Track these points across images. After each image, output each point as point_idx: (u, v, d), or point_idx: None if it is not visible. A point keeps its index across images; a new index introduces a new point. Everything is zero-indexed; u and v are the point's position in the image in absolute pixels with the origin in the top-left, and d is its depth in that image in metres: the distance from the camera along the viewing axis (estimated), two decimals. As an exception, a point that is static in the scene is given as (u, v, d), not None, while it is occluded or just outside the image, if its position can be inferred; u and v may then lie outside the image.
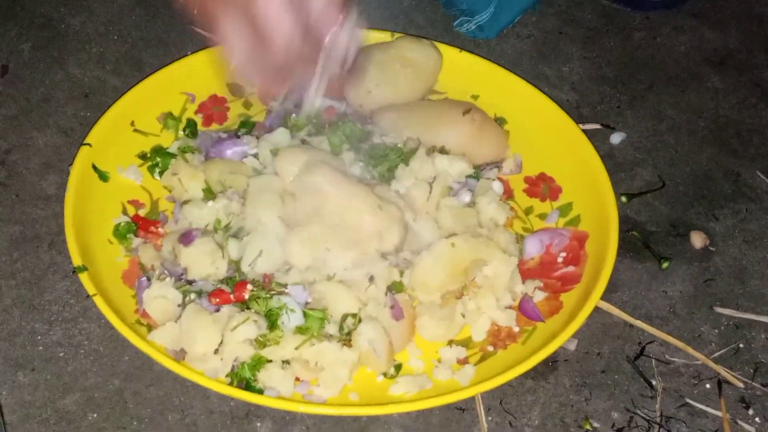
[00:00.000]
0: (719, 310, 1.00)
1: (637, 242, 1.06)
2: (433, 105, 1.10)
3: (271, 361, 0.88)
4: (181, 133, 1.08)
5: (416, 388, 0.89)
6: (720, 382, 0.95)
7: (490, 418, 0.91)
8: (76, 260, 0.91)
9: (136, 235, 0.99)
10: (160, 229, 1.00)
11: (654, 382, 0.94)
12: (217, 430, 0.88)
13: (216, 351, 0.89)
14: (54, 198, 1.04)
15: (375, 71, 1.08)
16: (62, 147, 1.09)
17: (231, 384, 0.88)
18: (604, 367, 0.95)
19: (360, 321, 0.90)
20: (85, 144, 1.01)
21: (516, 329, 0.95)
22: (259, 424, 0.89)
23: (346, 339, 0.90)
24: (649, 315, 1.00)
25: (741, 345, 0.98)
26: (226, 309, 0.90)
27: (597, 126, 1.17)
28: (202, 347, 0.88)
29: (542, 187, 1.07)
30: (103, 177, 1.01)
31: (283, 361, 0.89)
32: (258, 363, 0.88)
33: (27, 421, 0.88)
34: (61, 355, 0.93)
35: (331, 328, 0.91)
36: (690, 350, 0.97)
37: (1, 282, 0.97)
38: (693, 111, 1.20)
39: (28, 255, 0.99)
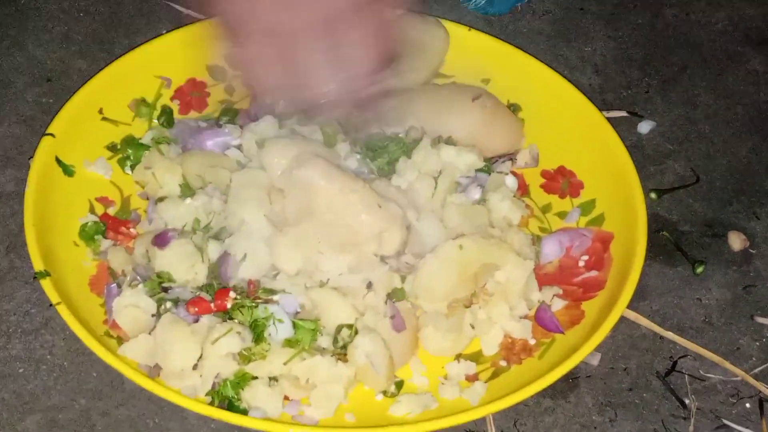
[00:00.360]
0: (760, 320, 1.01)
1: (668, 244, 1.06)
2: (439, 90, 1.11)
3: (256, 377, 0.89)
4: (155, 121, 1.08)
5: (420, 408, 0.90)
6: (761, 401, 0.95)
7: (502, 441, 0.91)
8: (38, 265, 0.92)
9: (105, 237, 0.99)
10: (131, 230, 1.00)
11: (687, 401, 0.94)
12: (196, 455, 0.89)
13: (195, 366, 0.89)
14: (12, 195, 1.04)
15: None
16: (22, 138, 1.10)
17: (212, 403, 0.88)
18: (631, 384, 0.95)
19: (356, 333, 0.91)
20: (47, 134, 1.01)
21: (532, 342, 0.96)
22: (243, 449, 0.89)
23: (341, 353, 0.91)
24: (682, 326, 1.00)
25: (785, 359, 0.98)
26: (205, 319, 0.90)
27: (623, 114, 1.17)
28: (179, 362, 0.88)
29: (561, 182, 1.08)
30: (68, 171, 1.01)
31: (270, 378, 0.89)
32: (242, 380, 0.88)
33: (-18, 446, 0.88)
34: (20, 371, 0.93)
35: (324, 341, 0.91)
36: (728, 365, 0.97)
37: (-47, 289, 0.98)
38: (731, 96, 1.20)
39: (-16, 259, 1.00)
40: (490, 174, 1.03)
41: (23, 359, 0.93)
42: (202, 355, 0.89)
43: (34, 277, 0.92)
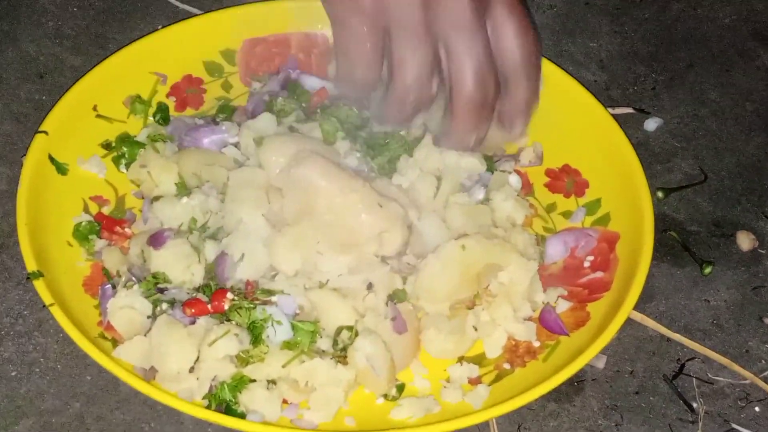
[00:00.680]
0: (770, 321, 1.01)
1: (676, 244, 1.06)
2: None
3: (254, 380, 0.88)
4: (150, 119, 1.08)
5: (422, 411, 0.89)
6: (771, 405, 0.95)
7: (506, 446, 0.91)
8: (31, 265, 0.92)
9: (100, 237, 0.99)
10: (126, 230, 1.00)
11: (695, 405, 0.94)
12: (193, 460, 0.89)
13: (191, 369, 0.89)
14: (5, 194, 1.04)
15: None
16: (14, 135, 1.10)
17: (208, 407, 0.88)
18: (638, 387, 0.95)
19: (357, 335, 0.91)
20: (40, 132, 1.01)
21: (536, 344, 0.96)
22: (240, 454, 0.89)
23: (341, 355, 0.91)
24: (690, 327, 1.00)
25: (795, 362, 0.98)
26: (202, 321, 0.90)
27: (629, 110, 1.17)
28: (175, 365, 0.88)
29: (566, 181, 1.07)
30: (62, 170, 1.01)
31: (269, 381, 0.89)
32: (239, 383, 0.88)
33: (-26, 451, 0.88)
34: (13, 374, 0.93)
35: (324, 343, 0.91)
36: (736, 368, 0.97)
37: (-56, 290, 0.98)
38: (740, 93, 1.20)
39: (-25, 259, 1.00)
40: (493, 173, 1.03)
41: (16, 362, 0.93)
42: (198, 357, 0.89)
43: (27, 278, 0.92)
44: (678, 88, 1.20)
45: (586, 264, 1.01)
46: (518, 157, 1.08)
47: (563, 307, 0.97)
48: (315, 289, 0.92)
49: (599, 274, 0.99)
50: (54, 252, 0.95)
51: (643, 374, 0.96)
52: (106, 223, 1.00)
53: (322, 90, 1.08)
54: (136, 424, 0.90)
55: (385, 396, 0.91)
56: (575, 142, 1.08)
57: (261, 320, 0.90)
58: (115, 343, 0.91)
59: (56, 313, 0.89)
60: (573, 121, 1.09)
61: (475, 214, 0.99)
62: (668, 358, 0.97)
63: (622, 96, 1.19)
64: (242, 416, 0.87)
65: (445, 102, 0.98)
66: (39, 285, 0.91)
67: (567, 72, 1.11)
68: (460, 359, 0.94)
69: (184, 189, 1.00)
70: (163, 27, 1.14)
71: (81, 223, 0.98)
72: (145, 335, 0.90)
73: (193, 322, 0.90)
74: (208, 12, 1.16)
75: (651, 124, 1.16)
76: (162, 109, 1.08)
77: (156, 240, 0.95)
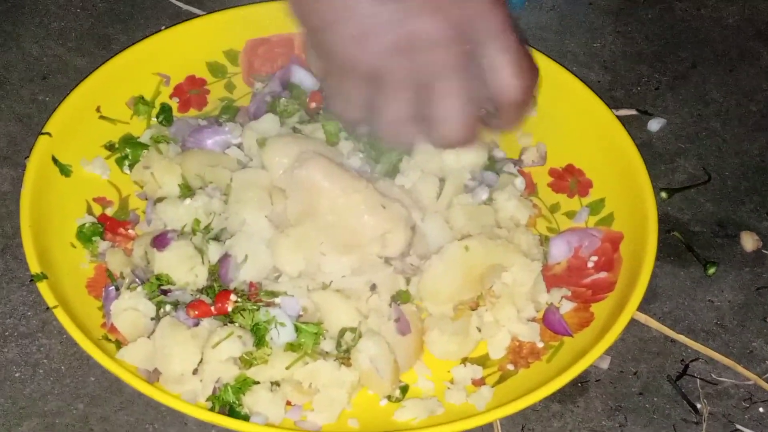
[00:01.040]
0: (774, 322, 1.01)
1: (679, 244, 1.06)
2: None
3: (258, 382, 0.88)
4: (154, 120, 1.08)
5: (425, 413, 0.89)
6: (775, 406, 0.95)
7: (510, 447, 0.91)
8: (34, 267, 0.92)
9: (103, 238, 0.99)
10: (130, 231, 1.00)
11: (699, 406, 0.94)
12: (197, 461, 0.89)
13: (195, 371, 0.89)
14: (8, 195, 1.04)
15: None
16: (17, 136, 1.10)
17: (212, 409, 0.88)
18: (642, 388, 0.95)
19: (360, 336, 0.91)
20: (43, 133, 1.01)
21: (540, 345, 0.95)
22: (244, 455, 0.89)
23: (345, 357, 0.91)
24: (694, 328, 1.00)
25: (799, 363, 0.98)
26: (206, 323, 0.90)
27: (632, 111, 1.17)
28: (178, 366, 0.88)
29: (570, 181, 1.07)
30: (65, 171, 1.01)
31: (272, 383, 0.89)
32: (243, 385, 0.88)
33: (-22, 452, 0.88)
34: (16, 375, 0.93)
35: (327, 345, 0.91)
36: (740, 369, 0.97)
37: (-52, 292, 0.98)
38: (743, 93, 1.20)
39: (-21, 261, 1.00)
40: (495, 172, 1.03)
41: (19, 363, 0.93)
42: (202, 359, 0.89)
43: (31, 280, 0.92)
44: (681, 89, 1.20)
45: (590, 264, 1.01)
46: (521, 157, 1.08)
47: (567, 307, 0.97)
48: (318, 290, 0.92)
49: (603, 275, 0.99)
50: (57, 254, 0.95)
51: (647, 375, 0.96)
52: (110, 225, 1.00)
53: (316, 93, 1.07)
54: (139, 425, 0.90)
55: (389, 397, 0.91)
56: (579, 142, 1.08)
57: (264, 322, 0.90)
58: (119, 344, 0.91)
59: (60, 315, 0.89)
60: (576, 121, 1.09)
61: (478, 215, 0.99)
62: (672, 359, 0.97)
63: (625, 96, 1.19)
64: (246, 418, 0.87)
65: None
66: (43, 287, 0.90)
67: (570, 72, 1.11)
68: (464, 360, 0.94)
69: (187, 190, 1.00)
70: (166, 28, 1.14)
71: (84, 224, 0.98)
72: (148, 337, 0.90)
73: (197, 324, 0.90)
74: (210, 13, 1.16)
75: (654, 125, 1.16)
76: (165, 110, 1.08)
77: (159, 241, 0.95)
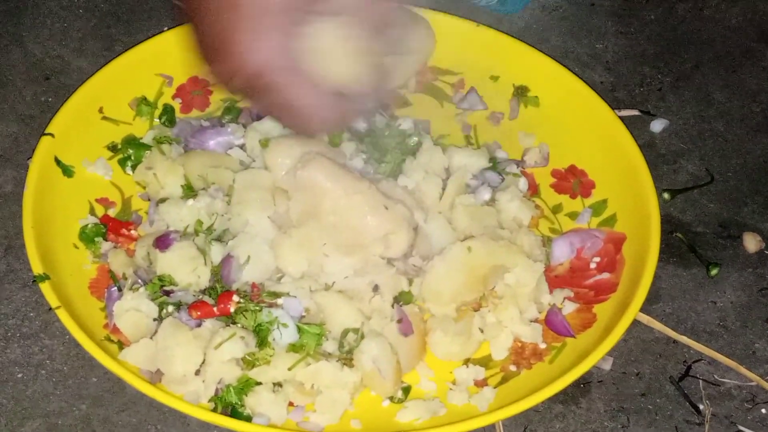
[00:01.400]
0: (777, 323, 1.01)
1: (682, 245, 1.06)
2: None
3: (260, 383, 0.88)
4: (156, 120, 1.08)
5: (428, 414, 0.89)
6: (777, 407, 0.95)
7: (512, 448, 0.91)
8: (37, 267, 0.91)
9: (106, 239, 0.99)
10: (132, 232, 1.00)
11: (701, 407, 0.94)
12: (199, 462, 0.89)
13: (197, 372, 0.89)
14: (11, 196, 1.04)
15: None
16: (20, 137, 1.10)
17: (214, 410, 0.88)
18: (644, 389, 0.95)
19: (363, 337, 0.91)
20: (46, 134, 1.01)
21: (542, 346, 0.95)
22: (246, 456, 0.89)
23: (347, 358, 0.91)
24: (696, 329, 1.00)
25: (802, 364, 0.98)
26: (208, 323, 0.90)
27: (635, 112, 1.17)
28: (181, 367, 0.88)
29: (572, 181, 1.07)
30: (68, 172, 1.01)
31: (275, 384, 0.89)
32: (245, 386, 0.88)
33: (-20, 453, 0.88)
34: (19, 376, 0.93)
35: (330, 346, 0.91)
36: (743, 370, 0.97)
37: (-49, 293, 0.98)
38: (746, 94, 1.20)
39: (-18, 261, 1.00)
40: (497, 172, 1.03)
41: (22, 364, 0.93)
42: (204, 360, 0.89)
43: (33, 281, 0.92)
44: (684, 90, 1.20)
45: (593, 265, 1.01)
46: (524, 158, 1.08)
47: (569, 308, 0.97)
48: (321, 291, 0.92)
49: (605, 276, 0.99)
50: (60, 254, 0.95)
51: (649, 376, 0.96)
52: (112, 226, 1.00)
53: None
54: (142, 426, 0.90)
55: (391, 398, 0.91)
56: (581, 143, 1.08)
57: (267, 323, 0.90)
58: (121, 345, 0.91)
59: (62, 315, 0.89)
60: (579, 122, 1.09)
61: (480, 216, 0.99)
62: (674, 360, 0.97)
63: (628, 97, 1.18)
64: (248, 419, 0.87)
65: None
66: (45, 287, 0.90)
67: (573, 73, 1.11)
68: (467, 361, 0.94)
69: (190, 191, 1.00)
70: (169, 29, 1.14)
71: (87, 225, 0.98)
72: (151, 338, 0.90)
73: (199, 325, 0.90)
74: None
75: (657, 126, 1.16)
76: (168, 110, 1.08)
77: (162, 242, 0.95)
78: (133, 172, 1.04)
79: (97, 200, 1.02)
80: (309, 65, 0.85)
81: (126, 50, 1.10)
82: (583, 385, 0.95)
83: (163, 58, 1.10)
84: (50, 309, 0.90)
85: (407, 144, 1.02)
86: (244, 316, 0.90)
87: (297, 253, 0.93)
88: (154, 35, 1.12)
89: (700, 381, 0.96)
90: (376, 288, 0.93)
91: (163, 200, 1.00)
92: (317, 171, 0.94)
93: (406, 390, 0.92)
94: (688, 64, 1.23)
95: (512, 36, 1.14)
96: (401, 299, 0.94)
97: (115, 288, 0.94)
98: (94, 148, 1.04)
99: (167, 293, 0.93)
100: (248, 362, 0.89)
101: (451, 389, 0.92)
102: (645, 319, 0.99)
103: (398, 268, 0.94)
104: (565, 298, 0.98)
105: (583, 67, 1.21)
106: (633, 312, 0.92)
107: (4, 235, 1.02)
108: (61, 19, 1.21)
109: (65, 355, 0.94)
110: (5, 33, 1.19)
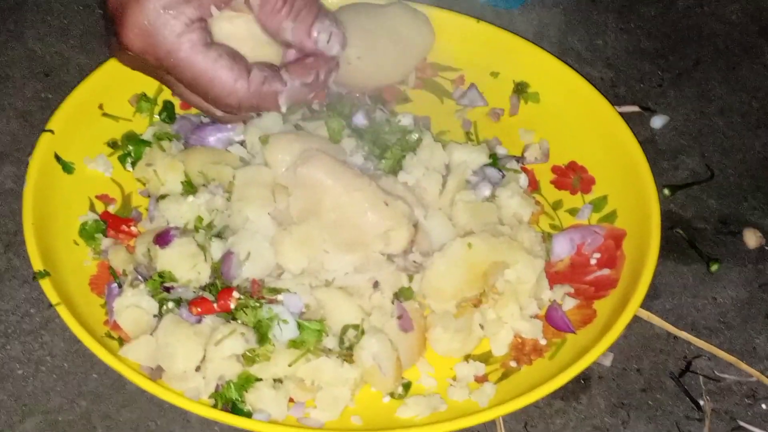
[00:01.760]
0: (777, 319, 1.01)
1: (682, 241, 1.06)
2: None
3: (261, 379, 0.88)
4: (156, 117, 1.08)
5: (428, 410, 0.89)
6: (778, 403, 0.95)
7: (513, 444, 0.91)
8: (37, 264, 0.92)
9: (106, 236, 0.99)
10: (132, 228, 1.00)
11: (702, 403, 0.94)
12: (200, 458, 0.89)
13: (198, 368, 0.89)
14: (11, 193, 1.04)
15: (359, 41, 1.06)
16: (20, 134, 1.10)
17: (215, 406, 0.88)
18: (645, 385, 0.95)
19: (363, 333, 0.90)
20: (46, 130, 1.01)
21: (543, 342, 0.95)
22: (247, 452, 0.89)
23: (347, 354, 0.90)
24: (696, 325, 1.00)
25: (802, 359, 0.98)
26: (209, 320, 0.90)
27: (635, 108, 1.17)
28: (181, 364, 0.88)
29: (573, 177, 1.07)
30: (68, 168, 1.01)
31: (275, 380, 0.89)
32: (246, 382, 0.88)
33: (-19, 449, 0.88)
34: (19, 372, 0.93)
35: (330, 342, 0.91)
36: (743, 365, 0.97)
37: (-49, 289, 0.98)
38: (746, 90, 1.20)
39: (-18, 258, 1.00)
40: (498, 169, 1.03)
41: (22, 360, 0.93)
42: (205, 356, 0.88)
43: (34, 277, 0.92)
44: (684, 86, 1.20)
45: (593, 261, 1.01)
46: (524, 154, 1.08)
47: (570, 304, 0.97)
48: (321, 287, 0.92)
49: (606, 272, 0.99)
50: (60, 251, 0.95)
51: (649, 372, 0.96)
52: (113, 222, 1.00)
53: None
54: (142, 422, 0.90)
55: (392, 394, 0.91)
56: (582, 139, 1.08)
57: (267, 319, 0.89)
58: (122, 342, 0.91)
59: (63, 312, 0.89)
60: (579, 118, 1.09)
61: (481, 212, 0.99)
62: (675, 356, 0.97)
63: (628, 93, 1.18)
64: (249, 415, 0.87)
65: None
66: (45, 284, 0.90)
67: (573, 69, 1.11)
68: (467, 357, 0.94)
69: (190, 187, 1.00)
70: (169, 25, 1.13)
71: (87, 222, 0.98)
72: (151, 334, 0.90)
73: (200, 321, 0.90)
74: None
75: (657, 122, 1.16)
76: (168, 107, 1.08)
77: (162, 239, 0.95)
78: (133, 169, 1.04)
79: (97, 197, 1.02)
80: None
81: (126, 47, 1.10)
82: (583, 381, 0.95)
83: (163, 55, 1.10)
84: (50, 306, 0.90)
85: (407, 140, 1.02)
86: (244, 312, 0.90)
87: (297, 249, 0.93)
88: (154, 32, 1.12)
89: (701, 377, 0.96)
90: (376, 284, 0.93)
91: (163, 197, 1.00)
92: (317, 168, 0.94)
93: (407, 386, 0.92)
94: (689, 60, 1.22)
95: (512, 32, 1.14)
96: (401, 295, 0.94)
97: (116, 284, 0.94)
98: (94, 145, 1.04)
99: (167, 290, 0.93)
100: (248, 358, 0.88)
101: (451, 385, 0.92)
102: (645, 315, 0.99)
103: (398, 265, 0.94)
104: (565, 294, 0.98)
105: (583, 64, 1.21)
106: (633, 308, 0.92)
107: (4, 232, 1.01)
108: (61, 17, 1.21)
109: (66, 352, 0.94)
110: (5, 29, 1.19)
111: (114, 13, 0.88)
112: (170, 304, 0.92)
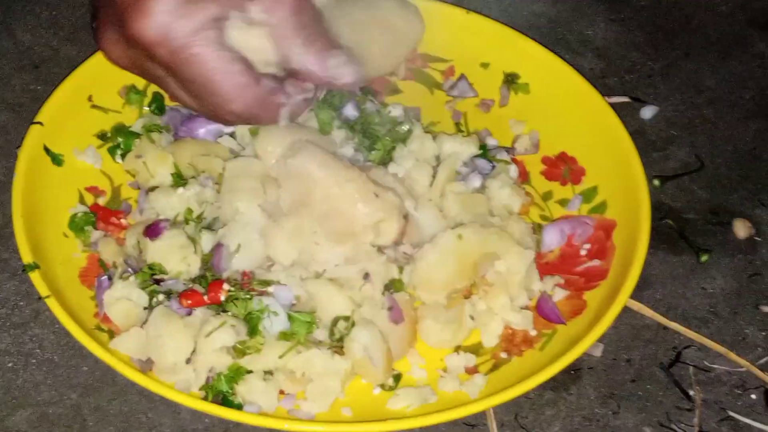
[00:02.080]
0: (766, 309, 1.00)
1: (672, 232, 1.06)
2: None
3: (251, 371, 0.88)
4: (146, 109, 1.08)
5: (419, 401, 0.89)
6: (767, 393, 0.95)
7: (503, 435, 0.91)
8: (26, 257, 0.91)
9: (96, 228, 0.99)
10: (122, 220, 1.00)
11: (692, 393, 0.94)
12: (190, 451, 0.89)
13: (188, 360, 0.89)
14: (0, 185, 1.04)
15: (348, 31, 1.06)
16: (9, 126, 1.09)
17: (205, 398, 0.88)
18: (635, 375, 0.95)
19: (353, 325, 0.90)
20: (35, 123, 1.01)
21: (533, 333, 0.95)
22: (238, 444, 0.89)
23: (338, 346, 0.90)
24: (686, 315, 1.00)
25: (792, 349, 0.98)
26: (199, 312, 0.90)
27: (625, 99, 1.17)
28: (171, 356, 0.88)
29: (563, 168, 1.07)
30: (57, 160, 1.01)
31: (265, 372, 0.89)
32: (236, 374, 0.88)
33: (-29, 442, 0.88)
34: (9, 365, 0.92)
35: (321, 334, 0.91)
36: (733, 356, 0.97)
37: (-60, 282, 0.97)
38: (736, 81, 1.20)
39: (-29, 251, 0.99)
40: (488, 160, 1.03)
41: (12, 353, 0.93)
42: (195, 348, 0.88)
43: (23, 270, 0.92)
44: (674, 76, 1.20)
45: (583, 252, 1.01)
46: (514, 145, 1.08)
47: (560, 295, 0.97)
48: (311, 279, 0.92)
49: (596, 263, 0.99)
50: (50, 243, 0.95)
51: (639, 362, 0.96)
52: (102, 214, 0.99)
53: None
54: (133, 414, 0.90)
55: (382, 386, 0.91)
56: (572, 130, 1.08)
57: (257, 311, 0.89)
58: (112, 334, 0.91)
59: (52, 304, 0.88)
60: (569, 109, 1.09)
61: (471, 203, 0.99)
62: (665, 347, 0.97)
63: (618, 84, 1.18)
64: (239, 407, 0.87)
65: None
66: (35, 277, 0.90)
67: (563, 59, 1.11)
68: (457, 349, 0.94)
69: (179, 179, 1.00)
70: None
71: (77, 214, 0.98)
72: (141, 327, 0.90)
73: (190, 313, 0.90)
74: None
75: (647, 112, 1.16)
76: (157, 99, 1.08)
77: (152, 231, 0.94)
78: (123, 161, 1.04)
79: (86, 189, 1.02)
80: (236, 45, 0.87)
81: (115, 38, 1.09)
82: (573, 371, 0.95)
83: (152, 46, 1.10)
84: (40, 298, 0.89)
85: (397, 131, 1.02)
86: (234, 304, 0.90)
87: (287, 241, 0.93)
88: (143, 23, 1.11)
89: (691, 367, 0.96)
90: (366, 276, 0.93)
91: (153, 189, 0.99)
92: (307, 159, 0.94)
93: (397, 377, 0.92)
94: (679, 50, 1.22)
95: (502, 23, 1.14)
96: (392, 287, 0.94)
97: (106, 277, 0.94)
98: (83, 137, 1.04)
99: (157, 282, 0.93)
100: (239, 351, 0.88)
101: (442, 376, 0.92)
102: (635, 305, 0.99)
103: (389, 256, 0.94)
104: (555, 285, 0.98)
105: (573, 54, 1.20)
106: (623, 299, 0.92)
107: (-7, 224, 1.01)
108: (50, 8, 1.21)
109: (55, 345, 0.94)
110: (-6, 21, 1.19)
111: (124, 1, 0.86)
112: (160, 297, 0.92)
